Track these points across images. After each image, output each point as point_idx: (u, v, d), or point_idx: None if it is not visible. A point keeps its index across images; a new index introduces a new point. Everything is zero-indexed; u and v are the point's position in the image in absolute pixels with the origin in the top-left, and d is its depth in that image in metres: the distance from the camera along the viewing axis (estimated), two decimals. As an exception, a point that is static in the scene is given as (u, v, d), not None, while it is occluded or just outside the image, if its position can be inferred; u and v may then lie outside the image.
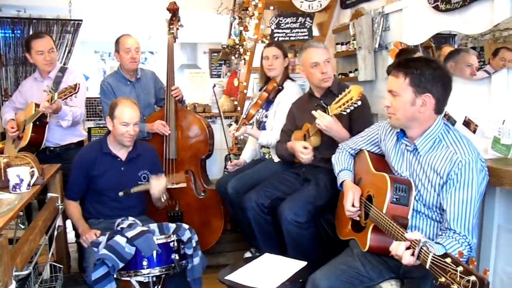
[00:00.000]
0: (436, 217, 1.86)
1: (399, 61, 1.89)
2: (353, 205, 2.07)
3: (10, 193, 2.02)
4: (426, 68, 1.79)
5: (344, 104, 2.32)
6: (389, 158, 2.08)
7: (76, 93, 2.71)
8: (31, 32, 5.22)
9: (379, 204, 1.86)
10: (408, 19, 3.06)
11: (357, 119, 2.58)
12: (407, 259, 1.51)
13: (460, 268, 1.22)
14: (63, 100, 2.76)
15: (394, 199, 1.81)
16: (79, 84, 2.71)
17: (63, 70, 3.25)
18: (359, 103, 2.26)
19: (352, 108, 2.30)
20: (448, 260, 1.27)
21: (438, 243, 1.63)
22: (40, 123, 2.96)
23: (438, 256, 1.33)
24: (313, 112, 2.50)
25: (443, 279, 1.27)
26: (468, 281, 1.19)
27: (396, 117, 1.89)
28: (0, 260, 1.54)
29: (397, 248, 1.56)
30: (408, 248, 1.53)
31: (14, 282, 1.63)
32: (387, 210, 1.80)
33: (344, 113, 2.36)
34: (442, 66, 1.87)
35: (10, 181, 2.07)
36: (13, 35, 5.18)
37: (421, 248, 1.44)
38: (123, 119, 2.60)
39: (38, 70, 3.28)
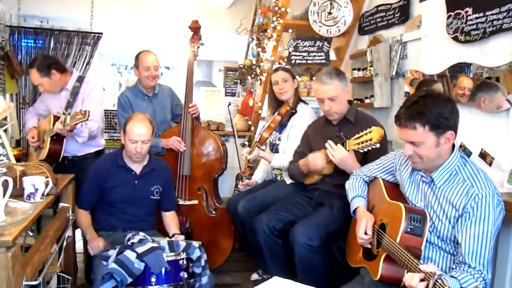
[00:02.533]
0: (450, 249, 1.83)
1: (408, 112, 1.81)
2: (365, 233, 2.05)
3: (24, 201, 2.04)
4: (439, 108, 1.76)
5: (363, 143, 2.32)
6: (403, 188, 2.06)
7: (86, 120, 2.73)
8: (52, 43, 5.34)
9: (392, 233, 1.84)
10: (426, 48, 3.08)
11: (372, 153, 2.52)
12: None
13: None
14: (75, 125, 2.79)
15: (409, 229, 1.79)
16: (89, 111, 2.73)
17: (80, 80, 3.27)
18: (378, 145, 2.26)
19: (370, 148, 2.30)
20: (463, 295, 1.25)
21: (453, 276, 1.61)
22: (58, 137, 2.98)
23: (454, 291, 1.31)
24: (327, 144, 2.50)
25: (457, 314, 1.25)
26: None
27: (422, 162, 1.86)
28: (13, 269, 1.55)
29: (412, 279, 1.54)
30: (422, 280, 1.50)
31: (24, 292, 1.64)
32: (401, 239, 1.78)
33: (361, 151, 2.37)
34: (449, 98, 1.86)
35: (25, 190, 2.08)
36: (34, 45, 5.29)
37: (436, 280, 1.42)
38: (131, 136, 2.61)
39: None
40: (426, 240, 1.82)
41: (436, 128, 1.77)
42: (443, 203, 1.83)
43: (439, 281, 1.41)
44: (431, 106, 1.77)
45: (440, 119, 1.76)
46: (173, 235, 2.74)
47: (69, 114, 3.15)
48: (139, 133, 2.60)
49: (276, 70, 3.35)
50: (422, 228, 1.80)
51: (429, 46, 3.05)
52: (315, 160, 2.64)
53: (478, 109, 2.56)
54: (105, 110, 4.42)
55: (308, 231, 2.51)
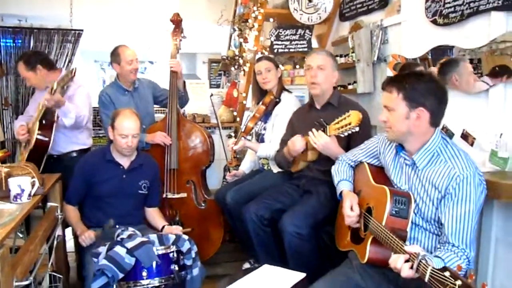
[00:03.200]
0: (435, 230, 1.87)
1: (392, 77, 1.95)
2: (351, 209, 2.08)
3: (11, 203, 2.03)
4: (418, 82, 1.83)
5: (342, 127, 2.33)
6: (388, 171, 2.09)
7: (73, 76, 2.77)
8: (32, 42, 5.27)
9: (378, 216, 1.87)
10: (406, 32, 3.10)
11: (356, 138, 2.55)
12: (406, 272, 1.52)
13: (458, 282, 1.23)
14: (63, 86, 2.79)
15: (394, 212, 1.82)
16: (75, 68, 2.77)
17: None
18: (357, 129, 2.27)
19: (350, 132, 2.31)
20: (447, 273, 1.28)
21: (437, 256, 1.65)
22: (47, 122, 2.95)
23: (437, 269, 1.34)
24: (310, 132, 2.51)
25: (441, 293, 1.28)
26: (466, 295, 1.20)
27: (392, 131, 1.93)
28: (2, 270, 1.55)
29: (396, 261, 1.57)
30: (407, 261, 1.53)
31: (15, 293, 1.64)
32: (386, 222, 1.81)
33: (342, 135, 2.37)
34: (435, 79, 1.90)
35: (11, 191, 2.08)
36: (14, 44, 5.22)
37: (420, 261, 1.45)
38: (122, 131, 2.62)
39: None
40: (412, 222, 1.85)
41: (408, 99, 1.83)
42: (426, 185, 1.86)
43: (423, 261, 1.44)
44: (411, 78, 1.86)
45: (414, 92, 1.82)
46: (163, 227, 2.76)
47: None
48: (129, 127, 2.63)
49: (259, 59, 3.36)
50: (407, 210, 1.83)
51: (409, 30, 3.07)
52: (294, 143, 2.65)
53: (458, 91, 2.59)
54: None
55: (296, 220, 2.53)
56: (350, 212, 2.08)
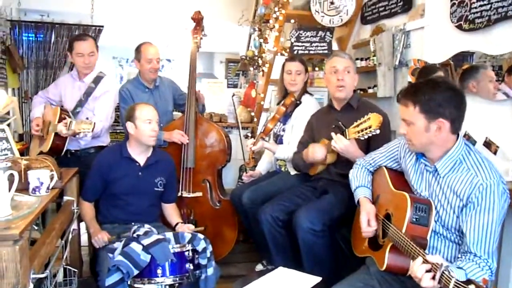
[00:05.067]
0: (455, 239, 1.83)
1: (406, 89, 1.87)
2: (369, 225, 2.05)
3: (29, 195, 2.04)
4: (434, 93, 1.77)
5: (362, 131, 2.31)
6: (408, 177, 2.06)
7: (90, 132, 2.76)
8: (53, 37, 5.32)
9: (398, 223, 1.84)
10: (430, 37, 3.06)
11: (375, 140, 2.53)
12: (427, 282, 1.48)
13: (483, 296, 1.20)
14: (78, 133, 2.78)
15: (414, 219, 1.79)
16: (94, 123, 2.76)
17: (97, 80, 3.27)
18: (378, 132, 2.25)
19: (370, 135, 2.29)
20: (472, 286, 1.25)
21: (459, 267, 1.61)
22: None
23: (461, 282, 1.31)
24: (332, 134, 2.49)
25: (465, 306, 1.25)
26: (492, 308, 1.17)
27: (413, 144, 1.89)
28: (20, 262, 1.56)
29: (417, 270, 1.53)
30: (428, 271, 1.50)
31: (32, 285, 1.64)
32: (406, 229, 1.78)
33: (362, 138, 2.35)
34: (451, 86, 1.83)
35: (30, 183, 2.09)
36: (35, 39, 5.27)
37: (443, 272, 1.42)
38: (147, 116, 2.65)
39: (76, 70, 3.32)
40: (431, 230, 1.81)
41: (426, 112, 1.77)
42: (447, 193, 1.82)
43: (446, 272, 1.40)
44: (427, 89, 1.79)
45: (431, 103, 1.76)
46: (177, 224, 2.76)
47: (77, 112, 3.15)
48: (153, 113, 2.68)
49: (292, 59, 3.33)
50: (427, 218, 1.80)
51: (433, 34, 3.03)
52: (314, 152, 2.64)
53: (481, 98, 2.55)
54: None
55: (310, 215, 2.52)
56: (367, 228, 2.05)
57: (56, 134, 2.94)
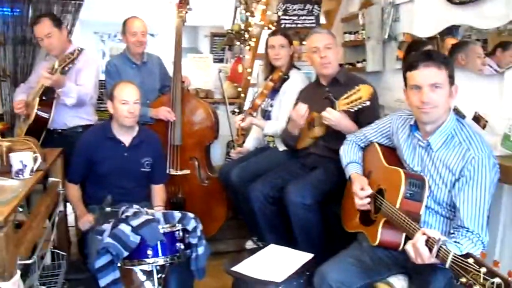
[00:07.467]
0: (447, 213, 1.84)
1: (435, 55, 1.82)
2: (362, 189, 2.04)
3: (12, 179, 1.98)
4: (449, 58, 1.83)
5: (352, 102, 2.27)
6: (401, 152, 2.05)
7: (75, 58, 2.69)
8: (30, 11, 5.13)
9: (391, 199, 1.83)
10: (419, 10, 3.00)
11: (365, 113, 2.50)
12: (425, 253, 1.49)
13: (483, 270, 1.21)
14: (64, 67, 2.71)
15: (408, 195, 1.78)
16: (79, 49, 2.67)
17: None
18: (368, 103, 2.21)
19: (360, 107, 2.25)
20: (471, 260, 1.26)
21: (457, 242, 1.61)
22: (47, 98, 2.87)
23: (460, 256, 1.31)
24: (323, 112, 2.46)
25: (464, 280, 1.26)
26: (492, 283, 1.17)
27: (437, 111, 1.80)
28: (6, 249, 1.51)
29: (417, 240, 1.53)
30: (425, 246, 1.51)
31: (18, 271, 1.60)
32: (401, 205, 1.78)
33: (352, 110, 2.31)
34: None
35: (13, 166, 2.03)
36: (12, 13, 5.06)
37: (441, 246, 1.42)
38: (123, 97, 2.58)
39: None
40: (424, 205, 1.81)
41: (450, 76, 1.79)
42: (440, 167, 1.82)
43: (444, 246, 1.41)
44: (443, 54, 1.87)
45: (451, 68, 1.79)
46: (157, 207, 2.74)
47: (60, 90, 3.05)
48: (129, 92, 2.60)
49: (274, 33, 3.27)
50: (421, 193, 1.80)
51: (423, 8, 2.97)
52: (297, 110, 2.62)
53: (471, 73, 2.53)
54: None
55: (301, 190, 2.52)
56: (361, 192, 2.04)
57: (41, 100, 2.85)
